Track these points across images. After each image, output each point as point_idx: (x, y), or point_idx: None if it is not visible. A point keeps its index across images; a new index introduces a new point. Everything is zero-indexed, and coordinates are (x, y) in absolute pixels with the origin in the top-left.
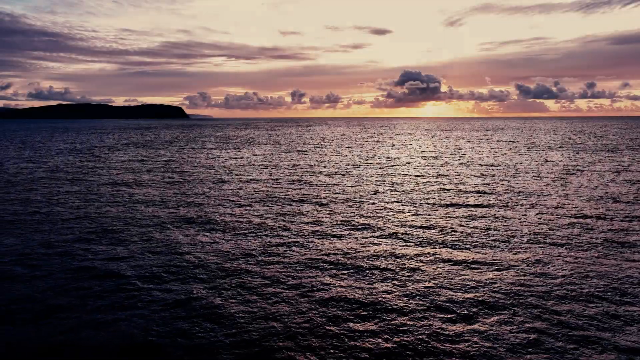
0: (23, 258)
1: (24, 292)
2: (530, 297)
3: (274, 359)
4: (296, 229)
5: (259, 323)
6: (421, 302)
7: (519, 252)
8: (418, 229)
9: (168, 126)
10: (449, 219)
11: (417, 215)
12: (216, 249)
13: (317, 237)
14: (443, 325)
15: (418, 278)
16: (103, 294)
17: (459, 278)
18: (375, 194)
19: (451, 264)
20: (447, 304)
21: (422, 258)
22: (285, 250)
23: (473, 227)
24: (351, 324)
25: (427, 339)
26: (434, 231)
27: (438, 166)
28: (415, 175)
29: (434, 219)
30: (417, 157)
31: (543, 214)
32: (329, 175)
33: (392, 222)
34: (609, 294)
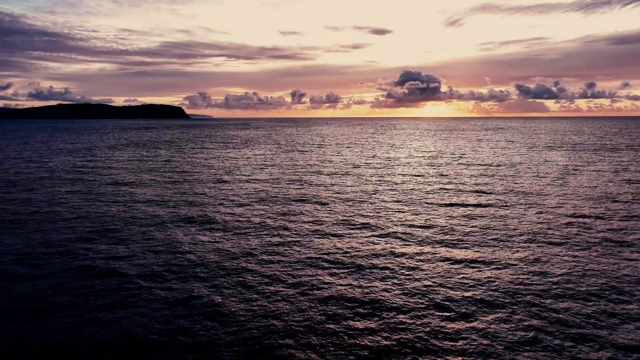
0: (24, 257)
1: (26, 290)
2: (528, 295)
3: (274, 356)
4: (296, 228)
5: (260, 321)
6: (420, 301)
7: (517, 251)
8: (417, 229)
9: (168, 126)
10: (448, 218)
11: (417, 214)
12: (217, 248)
13: (317, 236)
14: (442, 323)
15: (417, 277)
16: (104, 293)
17: (458, 277)
18: (375, 193)
19: (450, 263)
20: (446, 303)
21: (421, 257)
22: (286, 249)
23: (472, 227)
24: (351, 322)
25: (426, 337)
26: (433, 230)
27: (438, 166)
28: (414, 175)
29: (433, 218)
30: (417, 157)
31: (542, 213)
32: (329, 175)
33: (391, 221)
34: (607, 292)
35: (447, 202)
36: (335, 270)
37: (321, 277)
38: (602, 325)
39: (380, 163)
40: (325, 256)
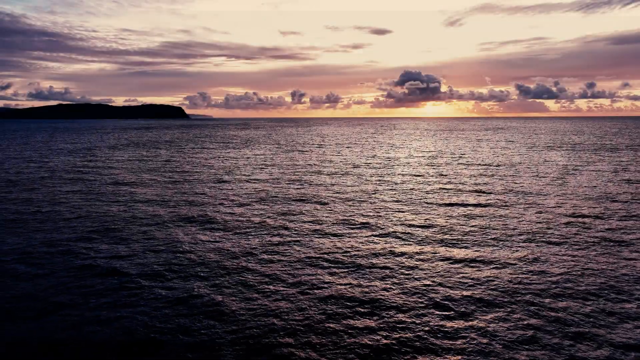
0: (25, 257)
1: (27, 290)
2: (527, 294)
3: (274, 355)
4: (296, 228)
5: (260, 320)
6: (420, 300)
7: (516, 251)
8: (417, 228)
9: (168, 126)
10: (447, 218)
11: (416, 214)
12: (217, 248)
13: (317, 235)
14: (441, 322)
15: (417, 276)
16: (105, 292)
17: (457, 276)
18: (374, 193)
19: (450, 262)
20: (445, 302)
21: (421, 256)
22: (286, 249)
23: (472, 226)
24: (350, 321)
25: (425, 336)
26: (433, 230)
27: (437, 166)
28: (414, 175)
29: (433, 218)
30: (417, 157)
31: (541, 213)
32: (328, 175)
33: (391, 221)
34: (605, 291)
35: (447, 202)
36: (335, 270)
37: (321, 277)
38: (600, 324)
39: (380, 163)
40: (325, 255)
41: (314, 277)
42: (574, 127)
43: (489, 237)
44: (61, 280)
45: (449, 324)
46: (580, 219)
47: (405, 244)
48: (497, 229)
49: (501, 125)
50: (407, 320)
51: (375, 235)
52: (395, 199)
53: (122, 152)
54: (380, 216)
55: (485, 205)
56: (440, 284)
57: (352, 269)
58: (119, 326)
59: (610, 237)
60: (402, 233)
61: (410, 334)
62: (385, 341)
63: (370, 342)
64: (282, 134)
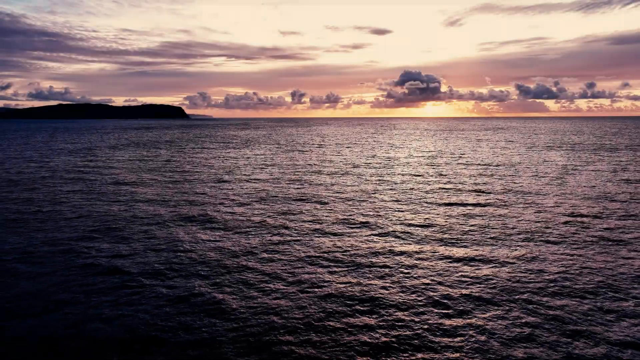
0: (27, 256)
1: (29, 288)
2: (525, 293)
3: (274, 352)
4: (296, 227)
5: (260, 318)
6: (419, 298)
7: (515, 250)
8: (416, 227)
9: (168, 126)
10: (447, 217)
11: (416, 213)
12: (217, 247)
13: (317, 235)
14: (440, 320)
15: (416, 275)
16: (107, 290)
17: (456, 275)
18: (374, 193)
19: (449, 261)
20: (444, 300)
21: (420, 255)
22: (286, 248)
23: (471, 226)
24: (350, 319)
25: (424, 334)
26: (432, 229)
27: (437, 166)
28: (414, 175)
29: (432, 217)
30: (417, 156)
31: (540, 212)
32: (328, 174)
33: (391, 220)
34: (603, 290)
35: (446, 202)
36: (334, 269)
37: (321, 275)
38: (597, 322)
39: (380, 163)
40: (325, 254)
41: (313, 276)
42: (573, 127)
43: (488, 236)
44: (63, 278)
45: (447, 321)
46: (578, 219)
47: (405, 243)
48: (496, 228)
49: (501, 125)
50: (406, 318)
51: (375, 235)
52: (395, 199)
53: (122, 152)
54: (379, 215)
55: (484, 205)
56: (439, 283)
57: (352, 268)
58: (120, 324)
59: (609, 237)
60: (402, 232)
61: (409, 332)
62: (384, 339)
63: (369, 340)
64: (282, 134)
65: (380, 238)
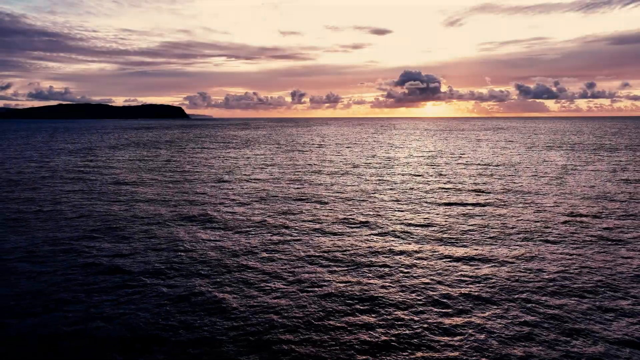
0: (28, 255)
1: (30, 287)
2: (524, 292)
3: (274, 351)
4: (296, 227)
5: (260, 317)
6: (418, 297)
7: (514, 249)
8: (416, 227)
9: (168, 126)
10: (446, 217)
11: (416, 213)
12: (218, 246)
13: (316, 234)
14: (439, 319)
15: (415, 274)
16: (108, 289)
17: (456, 274)
18: (374, 192)
19: (448, 261)
20: (443, 299)
21: (419, 255)
22: (286, 247)
23: (470, 225)
24: (350, 318)
25: (423, 333)
26: (432, 229)
27: (437, 166)
28: (414, 175)
29: (432, 217)
30: (417, 156)
31: (539, 212)
32: (328, 174)
33: (390, 220)
34: (602, 289)
35: (446, 201)
36: (334, 268)
37: (321, 275)
38: (596, 321)
39: (380, 163)
40: (324, 254)
41: (313, 275)
42: (573, 127)
43: (487, 235)
44: (64, 278)
45: (447, 320)
46: (578, 218)
47: (404, 243)
48: (495, 228)
49: (501, 125)
50: (405, 317)
51: (375, 234)
52: (395, 199)
53: (122, 152)
54: (379, 215)
55: (484, 205)
56: (438, 282)
57: (352, 267)
58: (121, 323)
59: (608, 236)
60: (401, 232)
61: (409, 331)
62: (384, 338)
63: (369, 339)
64: (282, 134)
65: (380, 238)
